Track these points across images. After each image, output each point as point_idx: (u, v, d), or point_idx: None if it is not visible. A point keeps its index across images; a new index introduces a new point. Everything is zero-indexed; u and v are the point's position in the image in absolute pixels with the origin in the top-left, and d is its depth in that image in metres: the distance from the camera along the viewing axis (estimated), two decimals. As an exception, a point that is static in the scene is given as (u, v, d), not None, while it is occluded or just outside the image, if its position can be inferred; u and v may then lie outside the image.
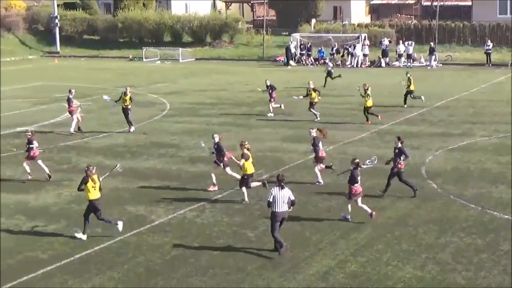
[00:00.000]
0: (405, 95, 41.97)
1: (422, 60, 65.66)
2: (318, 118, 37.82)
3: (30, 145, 27.53)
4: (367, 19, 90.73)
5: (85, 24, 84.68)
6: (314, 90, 38.19)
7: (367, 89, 37.01)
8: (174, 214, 23.29)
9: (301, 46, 70.22)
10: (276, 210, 19.34)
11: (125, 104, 36.31)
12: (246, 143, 24.46)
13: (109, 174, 22.46)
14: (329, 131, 34.95)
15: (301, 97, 40.38)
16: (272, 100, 40.23)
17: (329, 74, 51.04)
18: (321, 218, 22.50)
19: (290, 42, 70.08)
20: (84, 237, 20.99)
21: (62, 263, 19.25)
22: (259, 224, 21.87)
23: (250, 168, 24.09)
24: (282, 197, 19.36)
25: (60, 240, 21.04)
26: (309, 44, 69.83)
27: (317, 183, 26.17)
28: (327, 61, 59.73)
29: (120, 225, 21.33)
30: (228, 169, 25.51)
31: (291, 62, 67.40)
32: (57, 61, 75.65)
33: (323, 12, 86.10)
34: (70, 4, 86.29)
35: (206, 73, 62.63)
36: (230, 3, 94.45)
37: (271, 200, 19.32)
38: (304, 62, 68.37)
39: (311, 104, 38.23)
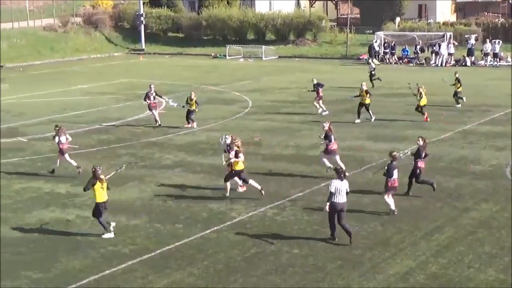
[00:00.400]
0: (454, 95, 41.89)
1: (509, 59, 64.45)
2: (372, 120, 38.07)
3: (60, 138, 27.70)
4: (452, 18, 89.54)
5: (169, 22, 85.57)
6: (367, 92, 37.91)
7: (422, 87, 37.46)
8: (254, 211, 23.39)
9: (385, 45, 69.58)
10: (337, 201, 19.94)
11: (192, 108, 37.13)
12: (237, 140, 24.92)
13: (114, 173, 22.49)
14: (412, 130, 34.89)
15: (353, 96, 40.16)
16: (318, 98, 40.23)
17: (371, 74, 50.76)
18: (403, 218, 22.30)
19: (373, 41, 69.59)
20: (111, 234, 21.09)
21: (143, 258, 19.50)
22: (339, 223, 21.81)
23: (239, 165, 24.50)
24: (342, 188, 20.01)
25: (142, 235, 21.34)
26: (393, 43, 69.17)
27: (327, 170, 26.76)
28: (369, 60, 58.19)
29: (109, 234, 21.08)
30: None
31: (375, 60, 66.81)
32: (143, 58, 76.65)
33: (408, 10, 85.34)
34: (155, 2, 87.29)
35: (289, 71, 62.62)
36: (314, 1, 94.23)
37: (333, 191, 19.99)
38: (387, 61, 67.83)
39: (361, 105, 38.11)
